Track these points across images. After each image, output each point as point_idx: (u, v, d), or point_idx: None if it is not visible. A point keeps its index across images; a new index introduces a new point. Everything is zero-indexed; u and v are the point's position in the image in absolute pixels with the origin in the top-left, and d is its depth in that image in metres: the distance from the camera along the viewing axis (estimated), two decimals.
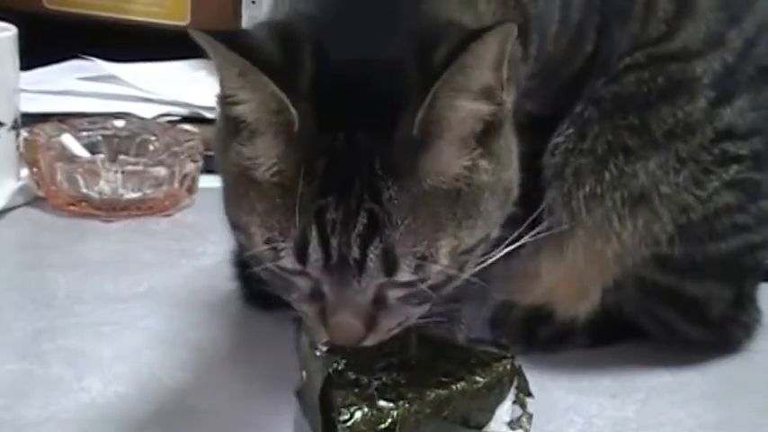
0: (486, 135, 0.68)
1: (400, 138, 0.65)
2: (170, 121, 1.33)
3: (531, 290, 0.90)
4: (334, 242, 0.65)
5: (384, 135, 0.65)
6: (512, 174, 0.72)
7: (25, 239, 1.13)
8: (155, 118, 1.33)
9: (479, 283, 0.71)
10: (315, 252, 0.65)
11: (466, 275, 0.70)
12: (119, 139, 1.24)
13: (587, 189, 0.85)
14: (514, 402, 0.76)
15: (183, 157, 1.18)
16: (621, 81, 0.85)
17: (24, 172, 1.19)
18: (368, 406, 0.72)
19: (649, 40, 0.84)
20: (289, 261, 0.66)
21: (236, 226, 0.70)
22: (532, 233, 0.77)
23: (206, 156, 1.16)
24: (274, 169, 0.67)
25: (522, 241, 0.75)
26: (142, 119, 1.30)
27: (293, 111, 0.65)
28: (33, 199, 1.18)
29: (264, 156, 0.67)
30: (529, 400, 0.77)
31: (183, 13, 1.56)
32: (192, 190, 1.20)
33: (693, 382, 0.90)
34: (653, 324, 0.92)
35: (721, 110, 0.85)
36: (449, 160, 0.67)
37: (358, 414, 0.71)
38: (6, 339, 0.90)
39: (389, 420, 0.71)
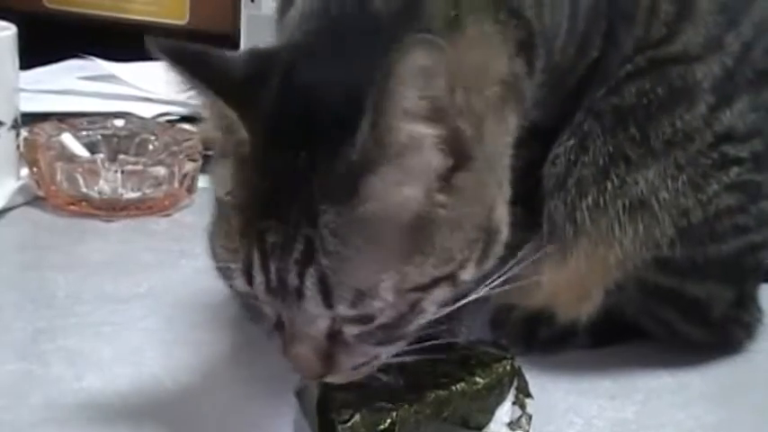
0: (445, 164, 0.65)
1: (341, 161, 0.63)
2: (169, 121, 1.33)
3: (532, 295, 0.89)
4: (272, 266, 0.65)
5: (326, 158, 0.63)
6: (485, 211, 0.68)
7: (25, 239, 1.13)
8: (154, 117, 1.33)
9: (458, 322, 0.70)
10: (257, 275, 0.65)
11: (435, 316, 0.67)
12: (118, 138, 1.24)
13: (590, 200, 0.84)
14: (514, 403, 0.77)
15: (182, 156, 1.18)
16: (622, 93, 0.84)
17: (24, 171, 1.18)
18: (367, 407, 0.72)
19: (651, 42, 0.84)
20: (240, 282, 0.67)
21: (210, 245, 0.70)
22: (536, 256, 0.77)
23: (205, 155, 1.16)
24: (229, 190, 0.67)
25: (524, 264, 0.74)
26: (142, 118, 1.29)
27: (245, 132, 0.65)
28: (33, 199, 1.18)
29: (222, 176, 0.67)
30: (528, 401, 0.77)
31: (181, 13, 1.56)
32: (191, 190, 1.19)
33: (693, 384, 0.90)
34: (654, 325, 0.92)
35: (721, 114, 0.85)
36: (391, 188, 0.64)
37: (357, 415, 0.71)
38: (6, 339, 0.90)
39: (389, 421, 0.71)
